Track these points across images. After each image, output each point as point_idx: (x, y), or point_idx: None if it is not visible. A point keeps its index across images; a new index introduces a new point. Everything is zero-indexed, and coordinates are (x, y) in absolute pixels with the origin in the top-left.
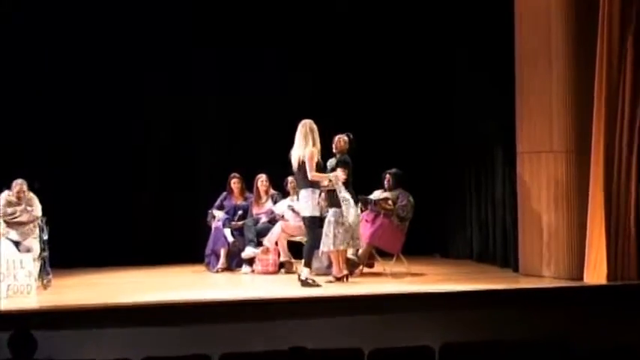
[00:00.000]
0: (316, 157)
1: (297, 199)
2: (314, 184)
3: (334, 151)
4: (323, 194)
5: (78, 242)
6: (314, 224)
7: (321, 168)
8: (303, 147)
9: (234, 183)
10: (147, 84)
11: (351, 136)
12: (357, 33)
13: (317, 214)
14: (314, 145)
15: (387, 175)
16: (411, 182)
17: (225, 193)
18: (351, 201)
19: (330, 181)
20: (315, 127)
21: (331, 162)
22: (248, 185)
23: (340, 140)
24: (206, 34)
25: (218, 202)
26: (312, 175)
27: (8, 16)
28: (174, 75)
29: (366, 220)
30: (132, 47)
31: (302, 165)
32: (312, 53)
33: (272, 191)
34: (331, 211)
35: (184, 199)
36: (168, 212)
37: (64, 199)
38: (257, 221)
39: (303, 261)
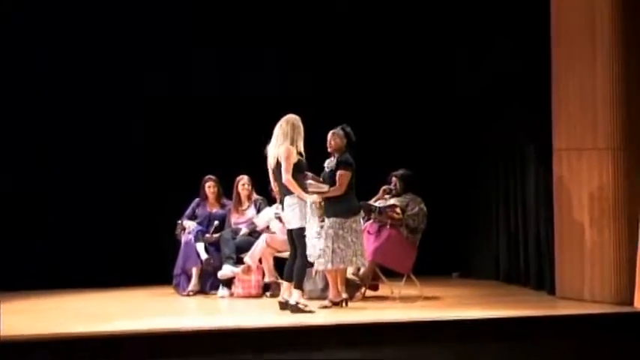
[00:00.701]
0: (294, 158)
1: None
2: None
3: (330, 150)
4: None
5: (22, 260)
6: (304, 238)
7: (302, 169)
8: (280, 144)
9: (209, 187)
10: (147, 84)
11: (348, 129)
12: (358, 32)
13: (307, 224)
14: (292, 143)
15: (394, 178)
16: (423, 186)
17: (198, 200)
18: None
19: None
20: (300, 124)
21: (330, 163)
22: (227, 191)
23: (335, 136)
24: (206, 34)
25: (189, 211)
26: (286, 177)
27: (8, 16)
28: (174, 75)
29: (369, 232)
30: (132, 47)
31: (280, 166)
32: (312, 53)
33: (255, 196)
34: (328, 221)
35: (156, 207)
36: (131, 224)
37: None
38: (236, 233)
39: (293, 282)
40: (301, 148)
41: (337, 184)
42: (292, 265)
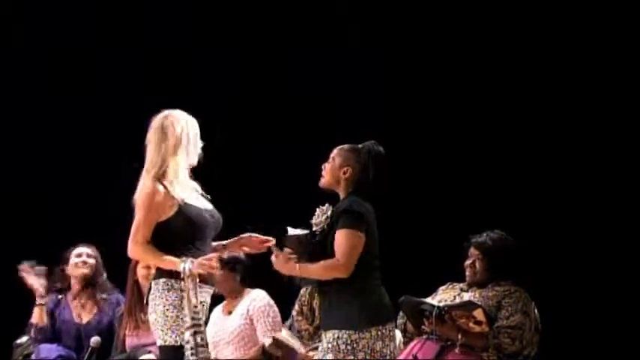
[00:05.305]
0: (169, 201)
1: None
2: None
3: (322, 184)
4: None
5: None
6: None
7: (199, 227)
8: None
9: (77, 266)
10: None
11: (376, 147)
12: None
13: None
14: (164, 175)
15: (473, 249)
16: (539, 267)
17: (57, 297)
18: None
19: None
20: (190, 131)
21: (322, 216)
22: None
23: (342, 155)
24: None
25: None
26: (133, 246)
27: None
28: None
29: None
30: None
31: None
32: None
33: None
34: (326, 336)
35: None
36: None
37: None
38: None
39: None
40: (185, 189)
41: (336, 257)
42: None
